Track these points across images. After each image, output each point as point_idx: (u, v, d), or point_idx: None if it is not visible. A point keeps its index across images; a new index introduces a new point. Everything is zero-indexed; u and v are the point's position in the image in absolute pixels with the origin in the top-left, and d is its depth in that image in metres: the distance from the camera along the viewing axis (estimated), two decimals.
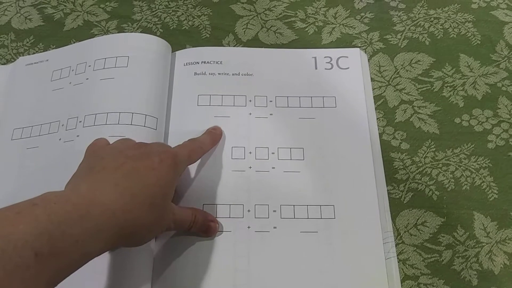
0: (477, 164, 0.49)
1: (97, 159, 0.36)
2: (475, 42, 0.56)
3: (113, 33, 0.57)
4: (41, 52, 0.56)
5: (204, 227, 0.43)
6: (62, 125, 0.48)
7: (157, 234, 0.41)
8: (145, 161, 0.36)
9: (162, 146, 0.41)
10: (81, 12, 0.59)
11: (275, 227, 0.44)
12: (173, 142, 0.47)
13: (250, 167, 0.47)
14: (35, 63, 0.54)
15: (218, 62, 0.53)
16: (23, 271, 0.26)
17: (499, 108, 0.52)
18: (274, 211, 0.45)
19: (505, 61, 0.54)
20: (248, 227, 0.44)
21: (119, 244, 0.36)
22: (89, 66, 0.50)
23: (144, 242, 0.37)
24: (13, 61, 0.56)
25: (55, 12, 0.60)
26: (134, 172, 0.35)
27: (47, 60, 0.53)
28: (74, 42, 0.56)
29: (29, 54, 0.56)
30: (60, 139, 0.47)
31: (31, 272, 0.26)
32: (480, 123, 0.51)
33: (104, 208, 0.32)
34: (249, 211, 0.45)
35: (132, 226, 0.33)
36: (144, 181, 0.35)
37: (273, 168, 0.47)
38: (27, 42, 0.57)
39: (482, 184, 0.48)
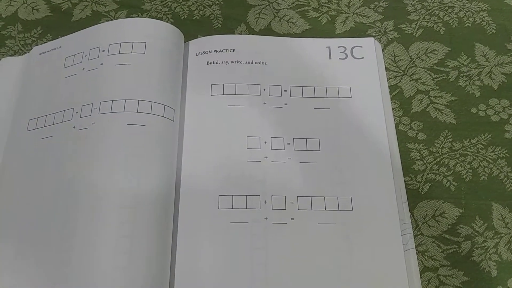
0: (495, 154, 0.48)
1: None
2: (490, 31, 0.55)
3: None
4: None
5: None
6: (76, 112, 0.46)
7: None
8: None
9: None
10: (89, 2, 0.58)
11: (292, 219, 0.44)
12: (188, 134, 0.47)
13: (266, 158, 0.46)
14: (48, 51, 0.53)
15: (231, 50, 0.52)
16: None
17: None
18: (291, 202, 0.44)
19: None
20: (266, 219, 0.43)
21: None
22: (103, 51, 0.49)
23: None
24: (21, 52, 0.55)
25: (63, 2, 0.59)
26: None
27: (60, 47, 0.52)
28: None
29: (37, 45, 0.55)
30: (74, 127, 0.46)
31: None
32: (496, 113, 0.50)
33: None
34: (266, 202, 0.44)
35: None
36: None
37: (289, 158, 0.46)
38: (35, 33, 0.56)
39: (500, 174, 0.47)
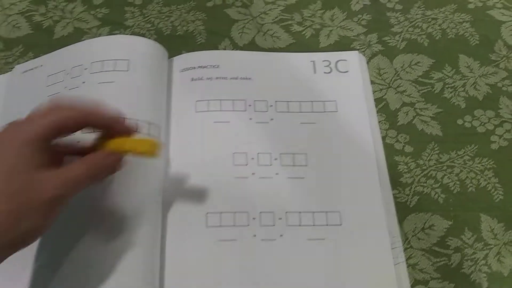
0: (482, 165, 0.48)
1: None
2: (474, 42, 0.55)
3: None
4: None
5: (109, 171, 0.37)
6: None
7: (45, 208, 0.33)
8: None
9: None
10: (71, 19, 0.58)
11: (281, 235, 0.43)
12: (174, 152, 0.46)
13: (253, 174, 0.46)
14: (30, 69, 0.52)
15: (215, 66, 0.52)
16: None
17: (501, 108, 0.51)
18: (280, 218, 0.44)
19: (504, 60, 0.54)
20: (254, 236, 0.43)
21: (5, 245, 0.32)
22: (85, 69, 0.48)
23: (44, 227, 0.33)
24: (2, 71, 0.54)
25: (44, 20, 0.58)
26: None
27: (42, 66, 0.52)
28: None
29: (18, 63, 0.54)
30: None
31: None
32: (482, 124, 0.50)
33: None
34: (254, 219, 0.44)
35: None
36: None
37: (277, 174, 0.46)
38: (16, 51, 0.56)
39: (488, 185, 0.47)
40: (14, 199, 0.32)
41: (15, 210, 0.31)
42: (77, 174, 0.35)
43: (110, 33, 0.56)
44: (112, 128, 0.37)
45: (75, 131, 0.36)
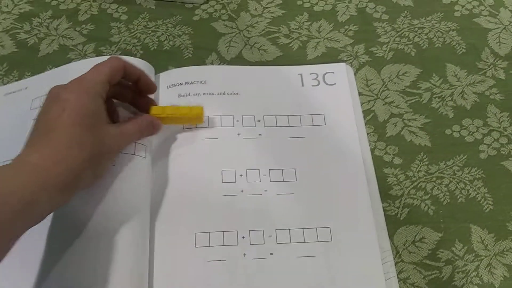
0: (471, 175, 0.48)
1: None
2: (461, 50, 0.55)
3: (91, 57, 0.55)
4: (16, 79, 0.54)
5: (151, 131, 0.45)
6: None
7: (105, 160, 0.40)
8: (55, 105, 0.37)
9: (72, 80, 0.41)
10: (56, 36, 0.57)
11: (271, 253, 0.43)
12: (161, 170, 0.46)
13: (242, 191, 0.45)
14: (13, 92, 0.51)
15: (202, 82, 0.51)
16: None
17: (489, 117, 0.51)
18: (270, 236, 0.43)
19: (491, 68, 0.54)
20: (244, 255, 0.43)
21: (70, 189, 0.36)
22: None
23: (96, 178, 0.39)
24: None
25: (29, 37, 0.58)
26: (49, 121, 0.37)
27: (26, 88, 0.51)
28: (50, 68, 0.54)
29: (3, 82, 0.54)
30: None
31: None
32: (471, 133, 0.50)
33: (34, 162, 0.34)
34: (243, 237, 0.43)
35: (66, 172, 0.35)
36: (59, 124, 0.36)
37: (266, 191, 0.46)
38: (1, 70, 0.55)
39: (477, 196, 0.47)
40: (88, 149, 0.36)
41: (87, 159, 0.36)
42: (131, 133, 0.42)
43: (96, 49, 0.56)
44: (140, 79, 0.44)
45: (120, 78, 0.42)
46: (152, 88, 0.46)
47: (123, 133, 0.41)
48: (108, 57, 0.43)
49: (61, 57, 0.55)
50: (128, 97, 0.46)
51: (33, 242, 0.40)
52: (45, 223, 0.41)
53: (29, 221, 0.33)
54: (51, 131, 0.36)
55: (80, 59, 0.55)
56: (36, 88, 0.51)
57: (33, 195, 0.33)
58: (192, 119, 0.48)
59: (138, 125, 0.43)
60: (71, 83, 0.39)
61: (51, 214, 0.39)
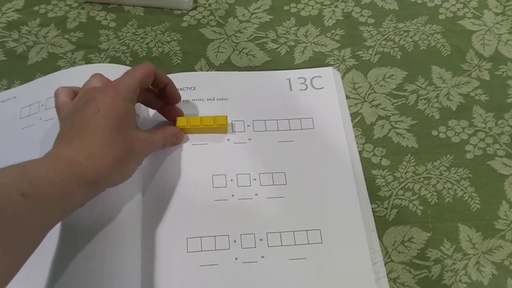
0: (458, 175, 0.49)
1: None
2: (446, 53, 0.56)
3: (80, 64, 0.55)
4: (5, 88, 0.54)
5: (174, 141, 0.48)
6: None
7: (132, 161, 0.41)
8: (91, 105, 0.39)
9: (106, 82, 0.43)
10: (44, 44, 0.58)
11: (263, 257, 0.43)
12: (152, 176, 0.46)
13: (232, 195, 0.46)
14: (2, 101, 0.51)
15: (192, 88, 0.52)
16: (14, 208, 0.31)
17: (474, 118, 0.52)
18: (261, 239, 0.44)
19: (475, 70, 0.55)
20: (236, 259, 0.43)
21: (100, 184, 0.38)
22: None
23: (123, 177, 0.40)
24: None
25: (17, 46, 0.58)
26: (84, 120, 0.39)
27: (15, 97, 0.51)
28: (39, 76, 0.54)
29: None
30: None
31: (21, 210, 0.31)
32: (457, 134, 0.51)
33: (69, 156, 0.36)
34: (235, 241, 0.44)
35: (98, 169, 0.37)
36: (93, 123, 0.38)
37: (256, 195, 0.46)
38: None
39: (464, 195, 0.48)
40: (118, 150, 0.38)
41: (117, 159, 0.38)
42: (157, 141, 0.45)
43: (85, 56, 0.56)
44: (166, 88, 0.46)
45: (149, 85, 0.44)
46: (177, 98, 0.47)
47: (150, 140, 0.44)
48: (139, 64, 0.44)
49: (50, 65, 0.55)
50: (155, 104, 0.48)
51: None
52: None
53: (65, 212, 0.36)
54: (86, 129, 0.38)
55: (69, 67, 0.55)
56: (24, 96, 0.51)
57: (71, 186, 0.35)
58: (216, 129, 0.49)
59: (164, 135, 0.46)
60: (107, 86, 0.41)
61: None
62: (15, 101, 0.51)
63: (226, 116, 0.49)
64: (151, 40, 0.58)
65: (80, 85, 0.45)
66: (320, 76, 0.53)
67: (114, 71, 0.49)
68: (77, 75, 0.50)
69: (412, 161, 0.50)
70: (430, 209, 0.47)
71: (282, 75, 0.53)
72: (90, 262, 0.40)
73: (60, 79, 0.51)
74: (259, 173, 0.47)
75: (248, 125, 0.50)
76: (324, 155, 0.48)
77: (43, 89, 0.50)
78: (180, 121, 0.48)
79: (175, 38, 0.58)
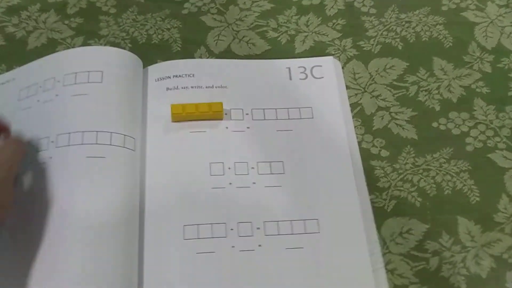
0: (457, 167, 0.49)
1: None
2: (447, 44, 0.56)
3: None
4: (3, 73, 0.53)
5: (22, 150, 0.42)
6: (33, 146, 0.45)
7: None
8: None
9: None
10: (44, 29, 0.57)
11: (260, 245, 0.43)
12: (150, 163, 0.46)
13: (230, 184, 0.46)
14: (1, 84, 0.51)
15: (191, 75, 0.51)
16: None
17: (475, 110, 0.52)
18: (258, 228, 0.44)
19: (477, 62, 0.55)
20: (233, 247, 0.43)
21: None
22: (58, 81, 0.47)
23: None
24: None
25: (17, 31, 0.57)
26: None
27: (14, 79, 0.51)
28: None
29: None
30: (31, 163, 0.44)
31: None
32: (457, 126, 0.51)
33: None
34: (232, 229, 0.44)
35: None
36: None
37: (254, 183, 0.46)
38: None
39: (464, 187, 0.48)
40: None
41: None
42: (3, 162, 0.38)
43: (85, 42, 0.56)
44: None
45: None
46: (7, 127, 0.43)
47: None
48: None
49: (49, 51, 0.55)
50: None
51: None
52: (28, 217, 0.41)
53: None
54: None
55: None
56: (23, 78, 0.50)
57: None
58: (211, 116, 0.48)
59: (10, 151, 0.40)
60: None
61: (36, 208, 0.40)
62: (14, 83, 0.51)
63: (222, 103, 0.48)
64: (151, 27, 0.57)
65: (82, 68, 0.46)
66: (321, 66, 0.53)
67: (110, 54, 0.49)
68: (75, 57, 0.50)
69: (412, 152, 0.49)
70: (429, 201, 0.47)
71: (282, 64, 0.53)
72: (85, 249, 0.40)
73: (59, 60, 0.50)
74: (257, 162, 0.47)
75: (247, 114, 0.49)
76: (323, 145, 0.48)
77: (41, 71, 0.50)
78: (175, 108, 0.48)
79: (175, 25, 0.57)
